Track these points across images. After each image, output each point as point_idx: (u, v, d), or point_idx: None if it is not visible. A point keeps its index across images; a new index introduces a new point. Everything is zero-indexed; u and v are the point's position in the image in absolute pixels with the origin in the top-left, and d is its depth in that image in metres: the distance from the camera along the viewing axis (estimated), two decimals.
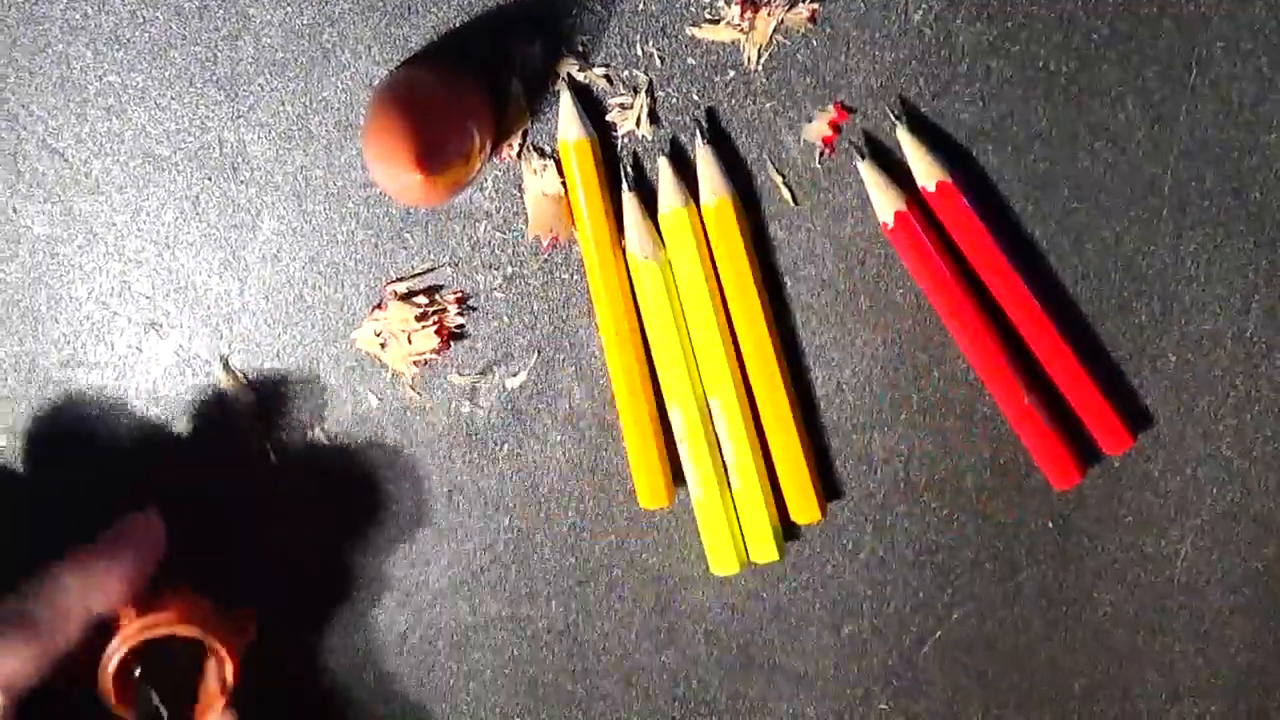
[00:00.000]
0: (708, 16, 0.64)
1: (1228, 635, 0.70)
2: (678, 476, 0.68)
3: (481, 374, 0.67)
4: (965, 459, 0.68)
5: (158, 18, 0.64)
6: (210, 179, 0.65)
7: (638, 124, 0.65)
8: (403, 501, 0.68)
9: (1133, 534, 0.69)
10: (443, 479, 0.68)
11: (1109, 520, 0.69)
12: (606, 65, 0.65)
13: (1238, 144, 0.65)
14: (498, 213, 0.66)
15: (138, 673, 0.61)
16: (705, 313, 0.65)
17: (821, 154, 0.65)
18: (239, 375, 0.67)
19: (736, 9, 0.63)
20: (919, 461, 0.68)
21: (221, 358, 0.67)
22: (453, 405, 0.68)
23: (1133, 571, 0.69)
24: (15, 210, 0.65)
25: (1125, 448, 0.67)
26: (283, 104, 0.65)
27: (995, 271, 0.65)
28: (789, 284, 0.67)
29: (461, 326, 0.67)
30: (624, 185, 0.65)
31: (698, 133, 0.65)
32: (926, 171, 0.65)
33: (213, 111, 0.65)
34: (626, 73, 0.65)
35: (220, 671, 0.61)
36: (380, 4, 0.64)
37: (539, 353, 0.67)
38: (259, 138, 0.65)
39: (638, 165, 0.66)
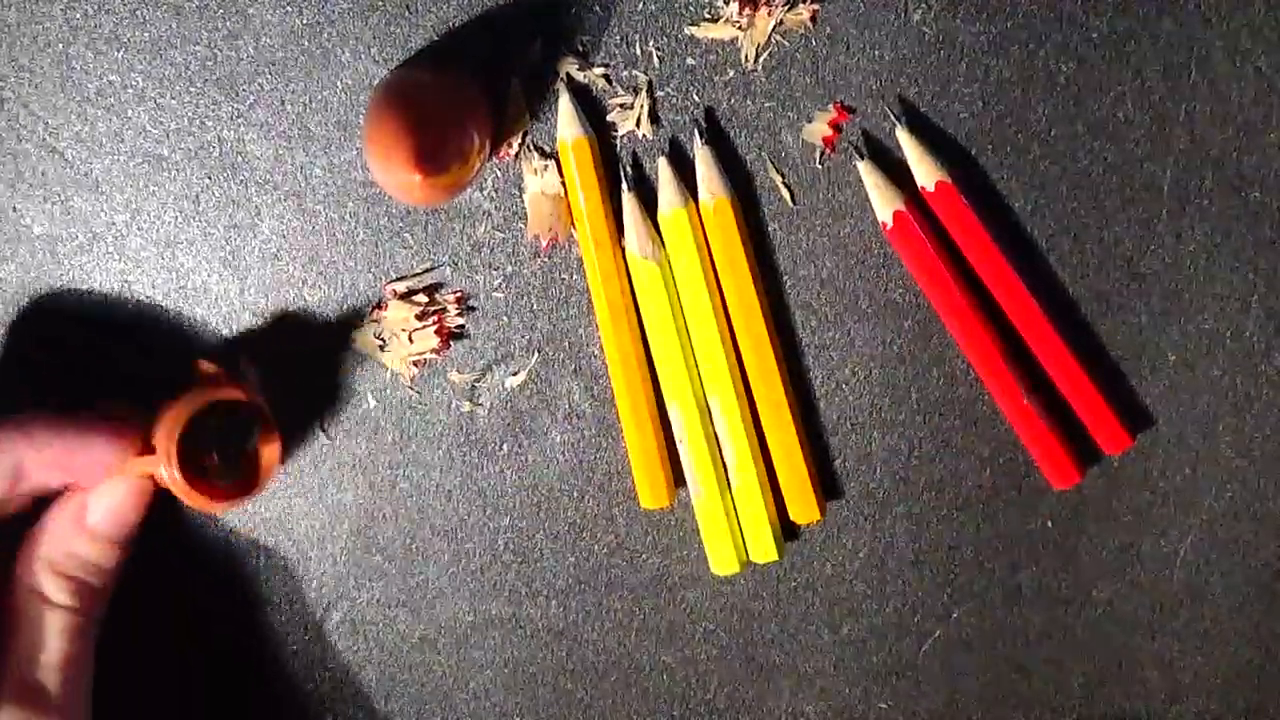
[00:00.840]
0: (707, 15, 0.64)
1: (1228, 635, 0.70)
2: (678, 476, 0.68)
3: (481, 374, 0.67)
4: (965, 459, 0.68)
5: (157, 17, 0.64)
6: (210, 178, 0.65)
7: (638, 124, 0.65)
8: (402, 501, 0.68)
9: (1132, 534, 0.69)
10: (442, 478, 0.68)
11: (1108, 520, 0.69)
12: (606, 65, 0.65)
13: (1237, 144, 0.65)
14: (497, 212, 0.66)
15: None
16: (704, 313, 0.65)
17: (821, 154, 0.66)
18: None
19: (735, 6, 0.63)
20: (918, 461, 0.68)
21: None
22: (452, 405, 0.68)
23: (1132, 571, 0.69)
24: (15, 210, 0.65)
25: (1124, 447, 0.67)
26: (282, 103, 0.65)
27: (994, 271, 0.65)
28: (788, 284, 0.67)
29: (461, 326, 0.67)
30: (623, 185, 0.65)
31: (696, 133, 0.65)
32: (926, 171, 0.65)
33: (212, 111, 0.65)
34: (626, 72, 0.65)
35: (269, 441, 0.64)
36: (380, 3, 0.64)
37: (539, 352, 0.67)
38: (259, 137, 0.65)
39: (637, 165, 0.66)
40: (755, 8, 0.64)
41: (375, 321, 0.66)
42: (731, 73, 0.65)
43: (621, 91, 0.65)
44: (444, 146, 0.57)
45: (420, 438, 0.68)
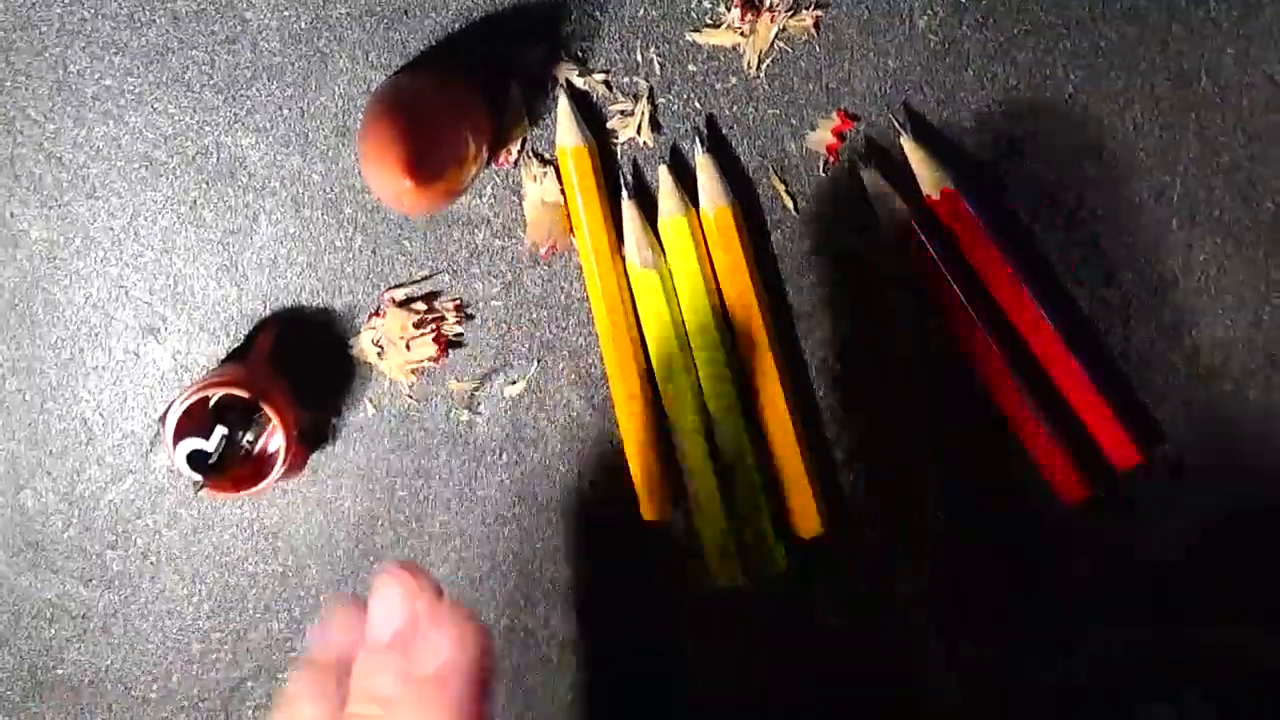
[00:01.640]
0: (709, 21, 0.63)
1: (1241, 641, 0.69)
2: (678, 487, 0.67)
3: (480, 382, 0.67)
4: (971, 472, 0.67)
5: (155, 22, 0.64)
6: (208, 184, 0.65)
7: (638, 131, 0.64)
8: (401, 509, 0.68)
9: (1145, 550, 0.68)
10: (441, 487, 0.68)
11: (1119, 536, 0.68)
12: (606, 71, 0.64)
13: (1248, 152, 0.64)
14: (496, 220, 0.65)
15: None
16: (706, 322, 0.65)
17: (825, 162, 0.65)
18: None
19: (737, 12, 0.63)
20: (924, 474, 0.67)
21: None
22: (451, 413, 0.67)
23: (1145, 588, 0.68)
24: (13, 215, 0.65)
25: (1135, 463, 0.66)
26: (280, 109, 0.64)
27: (1001, 281, 0.64)
28: (790, 293, 0.66)
29: (460, 334, 0.66)
30: (624, 193, 0.65)
31: (698, 140, 0.64)
32: (931, 180, 0.64)
33: (210, 116, 0.64)
34: (627, 79, 0.64)
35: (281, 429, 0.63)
36: (378, 9, 0.63)
37: (538, 361, 0.67)
38: (256, 143, 0.65)
39: (638, 172, 0.65)
40: (758, 14, 0.63)
41: (373, 329, 0.66)
42: (734, 79, 0.64)
43: (622, 98, 0.64)
44: (438, 153, 0.57)
45: (419, 446, 0.67)
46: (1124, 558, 0.68)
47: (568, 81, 0.64)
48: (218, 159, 0.65)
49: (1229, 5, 0.63)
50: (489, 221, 0.65)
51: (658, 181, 0.65)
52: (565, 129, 0.64)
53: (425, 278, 0.66)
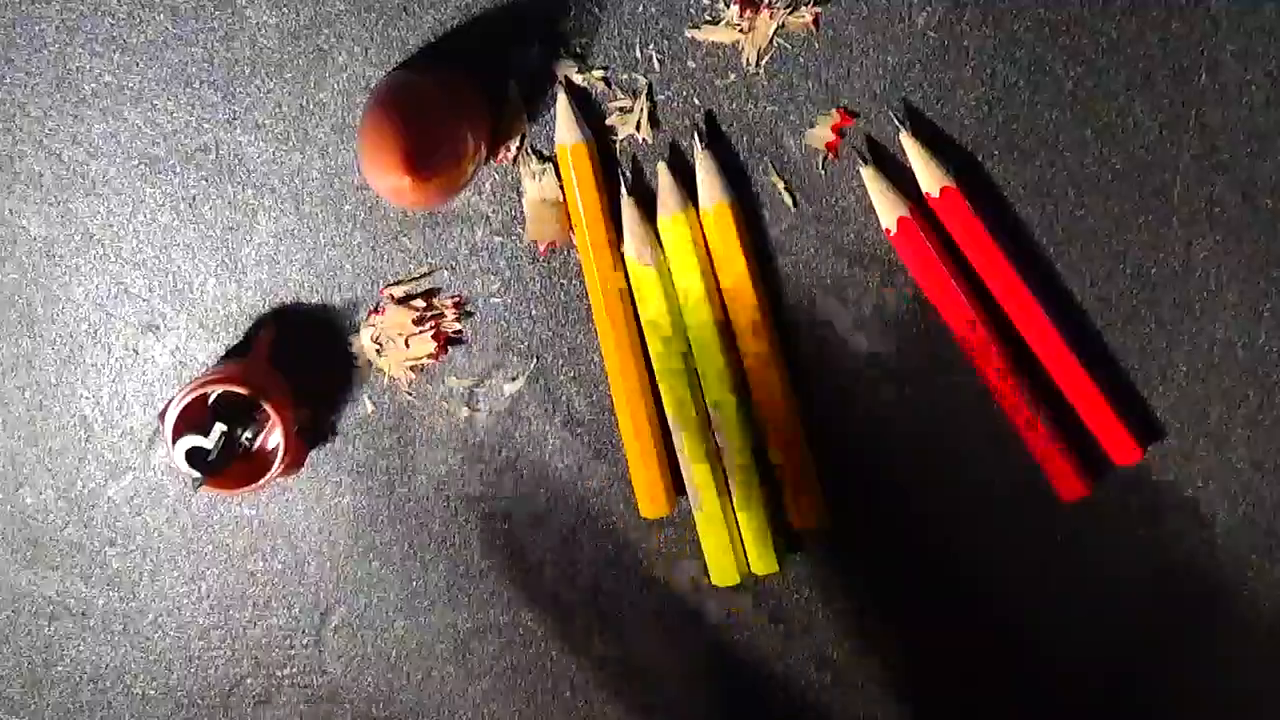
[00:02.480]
0: (708, 18, 0.63)
1: (1246, 649, 0.69)
2: (677, 485, 0.67)
3: (479, 379, 0.67)
4: (971, 469, 0.67)
5: (154, 19, 0.64)
6: (207, 180, 0.65)
7: (637, 127, 0.64)
8: (400, 506, 0.68)
9: (1144, 548, 0.68)
10: (441, 484, 0.68)
11: (1119, 534, 0.68)
12: (605, 68, 0.64)
13: (1248, 149, 0.64)
14: (496, 216, 0.65)
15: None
16: (705, 319, 0.65)
17: (824, 159, 0.65)
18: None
19: (736, 8, 0.63)
20: (922, 471, 0.67)
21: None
22: (450, 410, 0.67)
23: (1146, 586, 0.68)
24: (12, 211, 0.65)
25: (1135, 459, 0.66)
26: (279, 106, 0.64)
27: (1000, 278, 0.64)
28: (789, 290, 0.66)
29: (459, 331, 0.66)
30: (623, 189, 0.65)
31: (697, 137, 0.64)
32: (930, 177, 0.64)
33: (209, 113, 0.64)
34: (626, 75, 0.64)
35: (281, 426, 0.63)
36: (377, 5, 0.63)
37: (537, 358, 0.67)
38: (255, 139, 0.65)
39: (637, 169, 0.65)
40: (757, 10, 0.63)
41: (372, 326, 0.66)
42: (732, 76, 0.64)
43: (621, 95, 0.64)
44: (435, 150, 0.57)
45: (418, 443, 0.67)
46: (1121, 557, 0.68)
47: (566, 78, 0.64)
48: (217, 156, 0.65)
49: (1229, 2, 0.63)
50: (488, 218, 0.65)
51: (657, 178, 0.65)
52: (564, 125, 0.64)
53: (424, 274, 0.66)
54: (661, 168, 0.64)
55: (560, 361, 0.67)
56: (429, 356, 0.66)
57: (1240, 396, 0.66)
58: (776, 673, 0.70)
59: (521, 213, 0.65)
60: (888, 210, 0.64)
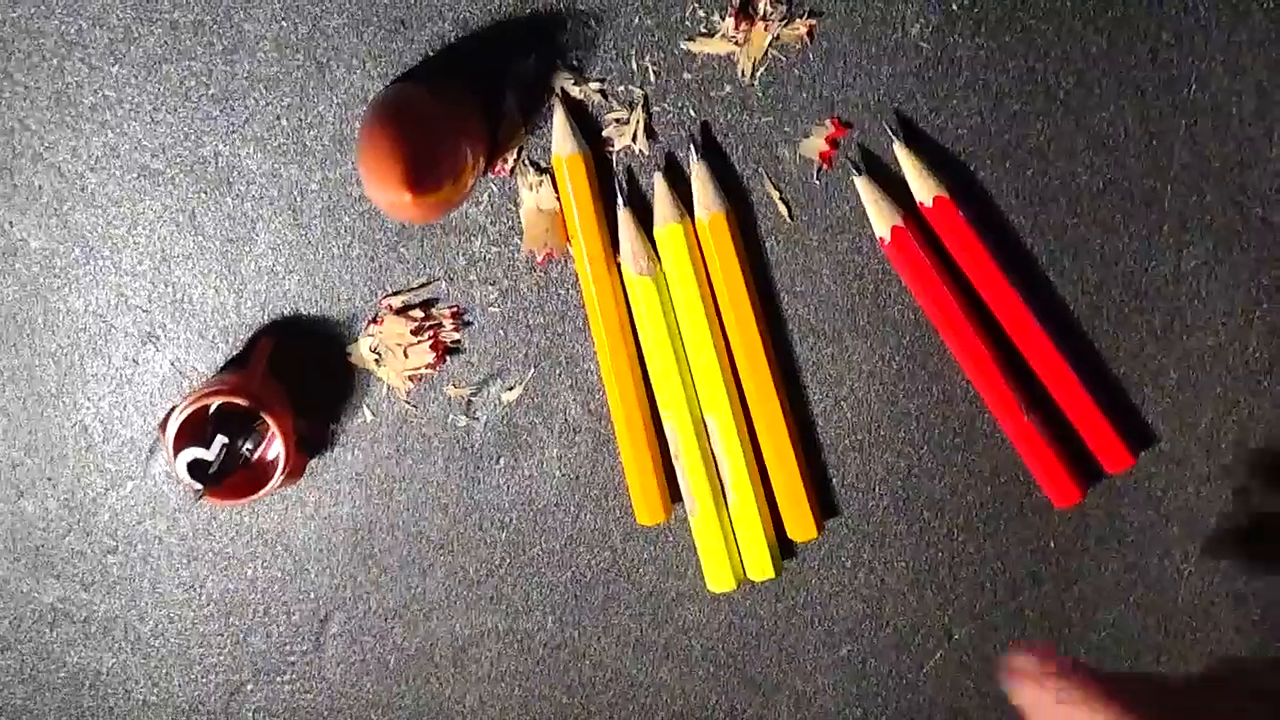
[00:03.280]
0: (703, 30, 0.64)
1: (1233, 655, 0.69)
2: (674, 492, 0.67)
3: (477, 388, 0.67)
4: (964, 477, 0.68)
5: (153, 33, 0.64)
6: (205, 193, 0.65)
7: (634, 139, 0.65)
8: (399, 514, 0.68)
9: (1135, 553, 0.68)
10: (439, 492, 0.68)
11: (1111, 539, 0.68)
12: (602, 80, 0.64)
13: (1238, 158, 0.65)
14: (493, 227, 0.66)
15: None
16: (701, 329, 0.65)
17: (819, 169, 0.65)
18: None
19: (731, 21, 0.63)
20: (917, 479, 0.68)
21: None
22: (449, 419, 0.67)
23: (1136, 591, 0.69)
24: (11, 224, 0.65)
25: (1126, 466, 0.66)
26: (278, 118, 0.65)
27: (993, 287, 0.65)
28: (785, 299, 0.66)
29: (457, 341, 0.67)
30: (619, 200, 0.65)
31: (692, 148, 0.65)
32: (924, 187, 0.64)
33: (208, 126, 0.65)
34: (622, 87, 0.65)
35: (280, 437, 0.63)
36: (374, 19, 0.64)
37: (534, 367, 0.67)
38: (254, 152, 0.65)
39: (633, 180, 0.65)
40: (752, 23, 0.63)
41: (371, 336, 0.66)
42: (728, 88, 0.64)
43: (617, 106, 0.65)
44: (436, 166, 0.57)
45: (416, 451, 0.68)
46: (1113, 563, 0.68)
47: (563, 90, 0.64)
48: (216, 168, 0.65)
49: (1218, 13, 0.63)
50: (486, 229, 0.66)
51: (653, 189, 0.65)
52: (561, 137, 0.64)
53: (423, 285, 0.66)
54: (658, 178, 0.65)
55: (557, 371, 0.67)
56: (427, 366, 0.67)
57: (1231, 403, 0.67)
58: (774, 678, 0.70)
59: (519, 223, 0.66)
60: (881, 219, 0.64)
